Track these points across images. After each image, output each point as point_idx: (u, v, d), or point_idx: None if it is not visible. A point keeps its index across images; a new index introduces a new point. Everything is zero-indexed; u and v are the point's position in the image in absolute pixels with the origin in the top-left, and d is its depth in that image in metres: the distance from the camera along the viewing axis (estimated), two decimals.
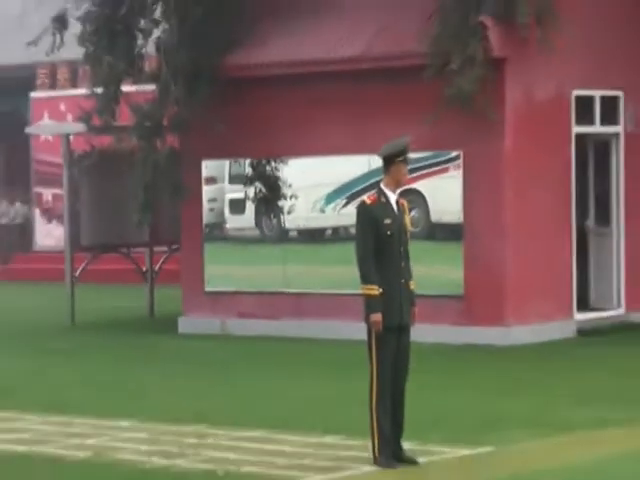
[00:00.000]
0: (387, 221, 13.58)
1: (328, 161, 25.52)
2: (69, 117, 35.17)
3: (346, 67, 25.28)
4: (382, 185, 13.85)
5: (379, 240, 13.52)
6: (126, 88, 27.57)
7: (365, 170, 23.04)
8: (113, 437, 15.63)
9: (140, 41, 27.66)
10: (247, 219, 27.04)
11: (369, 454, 13.51)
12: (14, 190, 46.06)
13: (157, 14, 27.68)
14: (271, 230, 26.75)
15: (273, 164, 26.48)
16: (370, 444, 13.47)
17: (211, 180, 27.33)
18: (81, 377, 21.41)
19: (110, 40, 27.26)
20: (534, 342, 23.79)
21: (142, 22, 27.57)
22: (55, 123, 39.05)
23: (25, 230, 44.49)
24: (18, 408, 17.84)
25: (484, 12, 23.53)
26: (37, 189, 43.54)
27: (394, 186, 13.81)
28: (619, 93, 25.98)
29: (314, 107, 25.61)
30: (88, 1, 27.13)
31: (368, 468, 13.40)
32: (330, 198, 25.47)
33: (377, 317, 13.25)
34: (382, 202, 13.65)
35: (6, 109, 45.05)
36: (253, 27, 26.57)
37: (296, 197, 26.29)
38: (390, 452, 13.46)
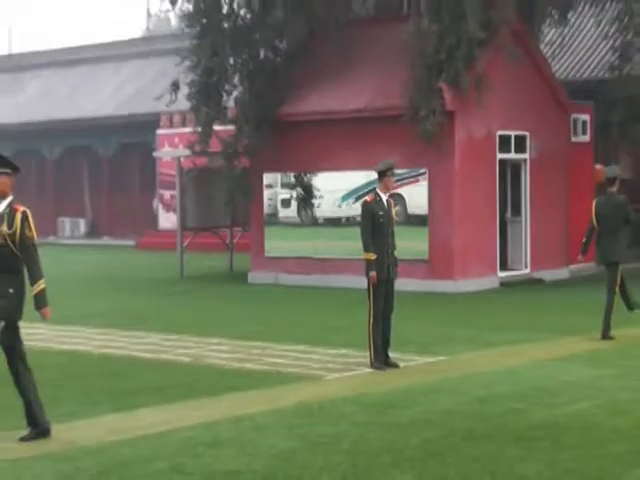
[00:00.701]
0: (380, 213, 13.90)
1: (342, 174, 25.40)
2: (180, 146, 34.91)
3: (353, 115, 25.14)
4: (377, 189, 14.39)
5: (375, 225, 13.90)
6: (216, 127, 27.33)
7: (366, 180, 22.89)
8: (206, 349, 15.66)
9: (225, 98, 27.46)
10: (291, 211, 26.87)
11: (367, 361, 13.71)
12: (148, 192, 45.97)
13: (235, 81, 27.48)
14: (307, 218, 26.57)
15: (308, 176, 26.30)
16: (368, 354, 13.75)
17: (269, 186, 27.15)
18: (186, 309, 21.50)
19: (206, 97, 27.10)
20: (472, 290, 23.65)
21: (226, 86, 27.35)
22: (171, 149, 38.94)
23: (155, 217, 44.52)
24: (148, 330, 17.94)
25: (442, 80, 23.32)
26: (161, 191, 43.40)
27: (385, 191, 14.25)
28: (526, 133, 25.76)
29: (334, 140, 25.50)
30: (192, 73, 26.93)
31: (367, 369, 13.78)
32: (344, 198, 25.39)
33: (373, 274, 13.76)
34: (377, 200, 14.11)
35: (140, 140, 44.98)
36: (296, 89, 26.42)
37: (322, 197, 26.13)
38: (381, 359, 13.77)
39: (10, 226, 9.47)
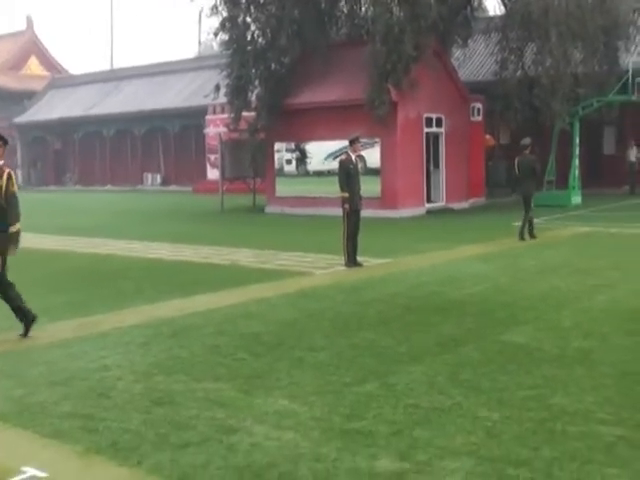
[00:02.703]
0: (351, 166, 13.78)
1: (325, 143, 25.18)
2: (221, 126, 34.60)
3: (332, 104, 24.91)
4: (349, 151, 14.17)
5: (348, 174, 13.75)
6: (244, 114, 27.12)
7: (341, 146, 22.59)
8: (239, 255, 15.53)
9: (249, 94, 27.26)
10: (292, 167, 26.68)
11: (343, 262, 13.56)
12: (199, 156, 45.63)
13: (256, 83, 27.27)
14: (302, 171, 26.41)
15: (302, 144, 26.11)
16: (343, 258, 13.58)
17: (278, 151, 26.97)
18: (225, 231, 21.33)
19: (237, 94, 26.89)
20: (408, 216, 23.61)
21: (250, 87, 27.15)
22: (215, 128, 38.66)
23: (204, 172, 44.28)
24: (200, 244, 17.78)
25: (389, 82, 23.25)
26: (208, 155, 43.15)
27: (354, 152, 14.13)
28: (442, 115, 25.60)
29: (319, 120, 25.30)
30: (228, 79, 26.77)
31: (342, 267, 13.62)
32: (326, 157, 25.14)
33: (347, 206, 13.71)
34: (349, 159, 13.79)
35: (196, 123, 44.65)
36: (294, 88, 26.20)
37: (312, 157, 25.95)
38: (352, 260, 13.62)
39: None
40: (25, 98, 59.82)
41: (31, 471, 5.06)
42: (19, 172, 59.24)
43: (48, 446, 5.46)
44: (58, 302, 10.96)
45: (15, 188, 8.56)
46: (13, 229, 8.51)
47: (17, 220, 8.56)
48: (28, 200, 42.19)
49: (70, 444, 5.45)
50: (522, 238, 16.67)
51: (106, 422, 5.85)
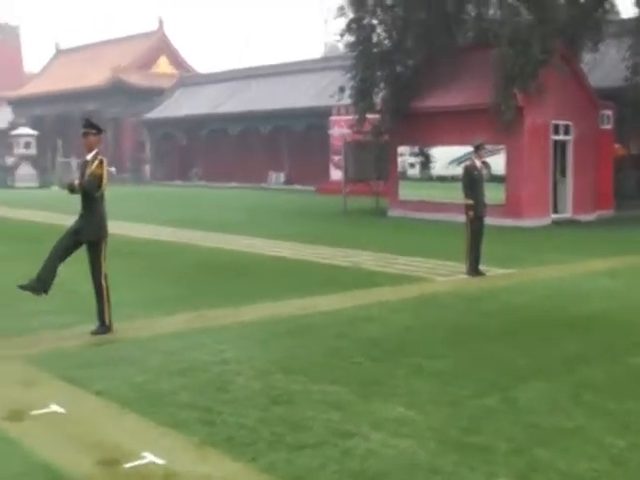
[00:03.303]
0: (475, 173, 13.80)
1: (450, 148, 24.82)
2: (345, 127, 34.69)
3: (457, 109, 24.59)
4: (473, 158, 13.92)
5: (472, 181, 13.90)
6: (368, 116, 27.16)
7: (466, 152, 22.06)
8: (361, 258, 15.63)
9: (373, 97, 27.24)
10: (415, 171, 26.47)
11: (465, 269, 13.51)
12: (324, 156, 46.04)
13: (381, 86, 27.26)
14: (425, 176, 26.18)
15: (426, 148, 25.86)
16: (465, 265, 13.53)
17: (401, 154, 26.77)
18: (347, 232, 21.36)
19: (361, 96, 26.92)
20: (533, 226, 23.00)
21: (374, 89, 27.16)
22: (339, 129, 38.86)
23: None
24: (322, 244, 17.89)
25: (515, 87, 22.97)
26: (332, 156, 43.38)
27: (478, 158, 14.01)
28: (570, 122, 24.85)
29: (444, 125, 24.98)
30: (353, 81, 26.83)
31: (464, 275, 13.52)
32: (451, 163, 24.80)
33: (471, 212, 13.48)
34: (474, 165, 13.71)
35: (320, 123, 44.91)
36: (419, 91, 26.00)
37: (436, 162, 25.67)
38: (474, 269, 13.55)
39: (91, 166, 8.85)
40: (154, 95, 61.82)
41: (150, 457, 5.22)
42: (147, 167, 61.30)
43: (166, 434, 5.62)
44: (180, 294, 11.28)
45: (102, 172, 8.82)
46: (76, 182, 8.86)
47: (71, 185, 8.92)
48: (155, 193, 43.69)
49: (187, 434, 5.60)
50: None
51: (223, 416, 5.96)
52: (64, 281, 10.03)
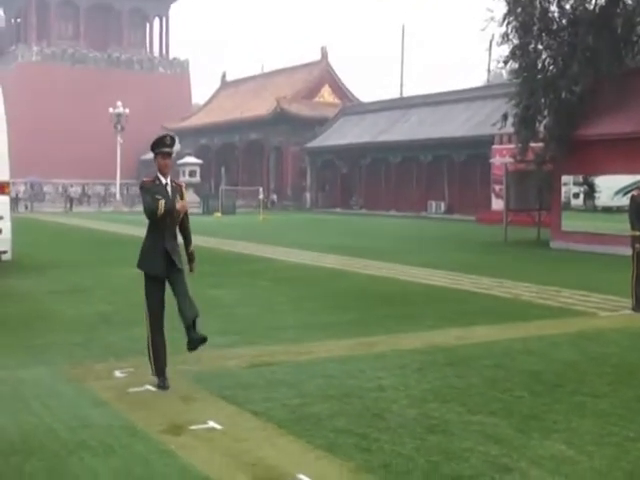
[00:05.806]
0: None
1: (615, 177, 23.84)
2: (507, 156, 33.97)
3: (625, 137, 23.60)
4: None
5: (639, 210, 12.59)
6: (531, 144, 26.57)
7: (632, 180, 21.27)
8: (521, 289, 15.08)
9: (537, 125, 26.69)
10: (579, 201, 25.57)
11: (630, 305, 12.82)
12: (484, 186, 45.35)
13: (545, 113, 26.66)
14: (590, 206, 25.21)
15: (591, 177, 24.99)
16: (630, 301, 12.81)
17: (565, 184, 25.95)
18: (507, 263, 20.78)
19: (525, 124, 26.39)
20: None
21: (538, 117, 26.58)
22: (501, 158, 38.09)
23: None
24: (480, 274, 17.40)
25: None
26: (493, 185, 42.91)
27: None
28: None
29: (611, 153, 23.96)
30: (516, 108, 26.40)
31: (629, 311, 12.77)
32: (617, 193, 23.85)
33: (638, 245, 12.51)
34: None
35: (481, 152, 44.44)
36: (585, 119, 25.23)
37: (601, 192, 24.72)
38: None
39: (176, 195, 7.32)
40: (316, 124, 63.21)
41: (305, 479, 5.23)
42: (307, 194, 62.54)
43: (321, 458, 5.62)
44: (339, 319, 11.36)
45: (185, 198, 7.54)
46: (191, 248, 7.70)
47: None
48: (315, 220, 44.47)
49: (342, 459, 5.58)
50: None
51: (379, 443, 5.92)
52: (225, 304, 10.32)
